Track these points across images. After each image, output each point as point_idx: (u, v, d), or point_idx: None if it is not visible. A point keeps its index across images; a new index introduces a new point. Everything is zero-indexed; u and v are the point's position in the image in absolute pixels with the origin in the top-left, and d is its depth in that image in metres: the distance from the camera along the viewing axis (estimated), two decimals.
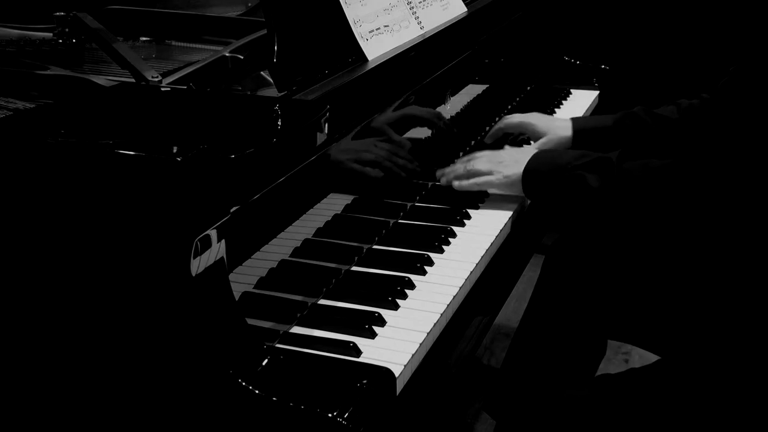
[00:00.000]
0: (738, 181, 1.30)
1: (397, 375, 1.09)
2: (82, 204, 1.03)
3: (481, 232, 1.49)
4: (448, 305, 1.27)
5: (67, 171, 1.04)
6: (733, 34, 2.67)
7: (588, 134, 1.80)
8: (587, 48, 2.46)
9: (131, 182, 1.01)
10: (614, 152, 1.45)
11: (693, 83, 2.76)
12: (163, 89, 1.34)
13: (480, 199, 1.59)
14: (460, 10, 1.85)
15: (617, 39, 2.93)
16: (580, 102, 2.25)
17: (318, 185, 1.34)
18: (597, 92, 2.32)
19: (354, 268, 1.36)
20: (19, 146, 1.11)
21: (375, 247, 1.43)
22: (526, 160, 1.53)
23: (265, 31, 1.56)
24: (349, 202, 1.43)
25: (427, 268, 1.36)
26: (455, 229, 1.48)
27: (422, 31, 1.68)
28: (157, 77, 1.35)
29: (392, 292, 1.27)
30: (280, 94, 1.28)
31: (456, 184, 1.58)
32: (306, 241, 1.33)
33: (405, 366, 1.12)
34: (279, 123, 1.17)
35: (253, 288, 1.23)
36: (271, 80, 1.30)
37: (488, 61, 2.02)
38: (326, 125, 1.18)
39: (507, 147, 1.76)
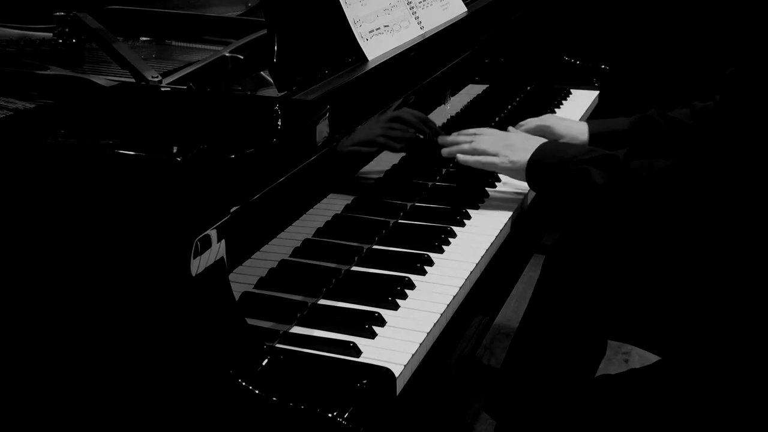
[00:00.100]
0: (739, 183, 1.30)
1: (397, 375, 1.09)
2: (82, 204, 1.03)
3: (481, 232, 1.49)
4: (448, 305, 1.27)
5: (67, 171, 1.04)
6: (733, 34, 2.67)
7: (604, 138, 1.80)
8: (587, 48, 2.46)
9: (131, 182, 1.01)
10: (621, 150, 1.45)
11: (693, 83, 2.77)
12: (163, 89, 1.34)
13: (480, 199, 1.59)
14: (460, 10, 1.85)
15: (617, 39, 2.94)
16: (580, 102, 2.25)
17: (318, 185, 1.34)
18: (597, 92, 2.32)
19: (354, 268, 1.36)
20: (19, 146, 1.11)
21: (375, 247, 1.43)
22: (534, 149, 1.52)
23: (265, 31, 1.56)
24: (349, 202, 1.44)
25: (427, 268, 1.36)
26: (455, 229, 1.48)
27: (422, 31, 1.68)
28: (157, 77, 1.35)
29: (392, 292, 1.27)
30: (280, 94, 1.28)
31: (461, 158, 1.57)
32: (306, 241, 1.33)
33: (405, 366, 1.12)
34: (279, 123, 1.17)
35: (253, 288, 1.23)
36: (271, 80, 1.30)
37: (488, 61, 2.02)
38: (326, 125, 1.18)
39: (511, 128, 1.75)
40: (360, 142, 1.43)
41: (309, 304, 1.24)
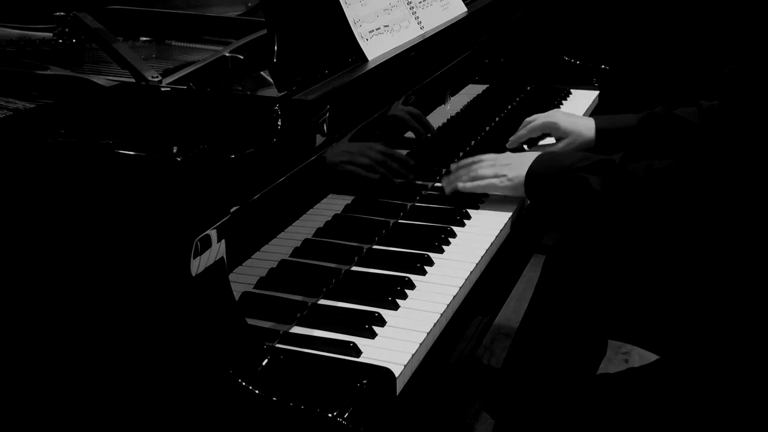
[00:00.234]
0: (738, 181, 1.30)
1: (397, 375, 1.09)
2: (82, 204, 1.03)
3: (481, 232, 1.49)
4: (448, 305, 1.27)
5: (67, 171, 1.04)
6: (733, 34, 2.67)
7: (612, 134, 1.80)
8: (587, 48, 2.46)
9: (131, 182, 1.01)
10: (617, 154, 1.45)
11: (693, 83, 2.77)
12: (163, 89, 1.34)
13: (480, 199, 1.59)
14: (460, 10, 1.85)
15: (617, 39, 2.93)
16: (580, 102, 2.25)
17: (318, 185, 1.33)
18: (597, 92, 2.32)
19: (354, 268, 1.36)
20: (19, 146, 1.11)
21: (375, 247, 1.43)
22: (529, 163, 1.53)
23: (265, 31, 1.56)
24: (349, 202, 1.43)
25: (427, 268, 1.36)
26: (455, 229, 1.48)
27: (422, 31, 1.68)
28: (157, 77, 1.35)
29: (392, 292, 1.27)
30: (280, 94, 1.28)
31: (460, 186, 1.58)
32: (306, 241, 1.33)
33: (405, 366, 1.12)
34: (279, 123, 1.17)
35: (253, 288, 1.23)
36: (271, 80, 1.30)
37: (488, 61, 2.02)
38: (326, 125, 1.18)
39: (508, 153, 1.76)
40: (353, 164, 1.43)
41: (309, 304, 1.24)
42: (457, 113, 1.87)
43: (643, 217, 1.41)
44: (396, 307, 1.25)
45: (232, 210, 1.04)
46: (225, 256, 1.05)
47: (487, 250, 1.43)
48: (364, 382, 1.04)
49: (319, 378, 1.05)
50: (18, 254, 1.08)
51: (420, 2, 1.71)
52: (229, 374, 1.00)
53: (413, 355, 1.14)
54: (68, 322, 1.07)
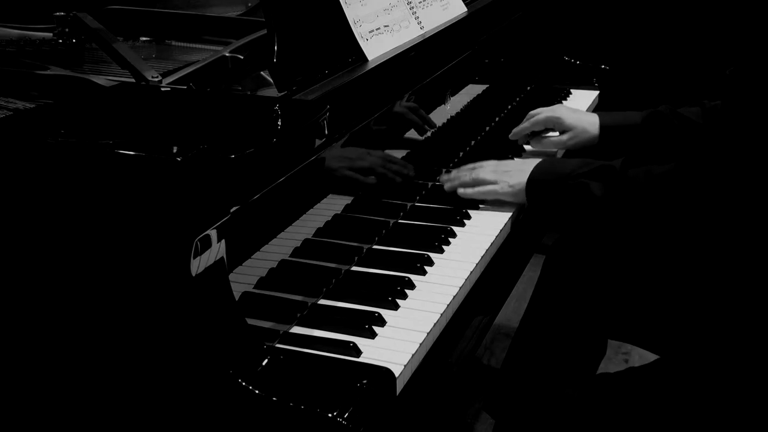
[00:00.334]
0: (738, 183, 1.30)
1: (397, 375, 1.09)
2: (82, 204, 1.03)
3: (481, 232, 1.49)
4: (448, 305, 1.27)
5: (67, 171, 1.04)
6: (733, 34, 2.67)
7: (616, 131, 1.80)
8: (587, 48, 2.46)
9: (131, 182, 1.01)
10: (618, 160, 1.46)
11: (693, 83, 2.77)
12: (163, 89, 1.34)
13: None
14: (460, 10, 1.85)
15: (617, 39, 2.93)
16: (580, 102, 2.25)
17: (318, 185, 1.33)
18: (597, 92, 2.32)
19: (354, 268, 1.36)
20: (19, 146, 1.11)
21: (375, 247, 1.43)
22: (530, 170, 1.53)
23: (265, 31, 1.56)
24: (349, 202, 1.43)
25: (427, 268, 1.36)
26: (455, 229, 1.48)
27: (422, 31, 1.68)
28: (157, 77, 1.35)
29: (392, 292, 1.27)
30: (280, 94, 1.28)
31: (461, 191, 1.58)
32: (306, 241, 1.33)
33: (405, 366, 1.12)
34: (279, 123, 1.17)
35: (253, 288, 1.23)
36: (271, 80, 1.30)
37: (488, 61, 2.02)
38: (326, 125, 1.18)
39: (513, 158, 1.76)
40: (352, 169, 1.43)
41: (309, 304, 1.24)
42: (457, 113, 1.87)
43: (644, 222, 1.41)
44: (396, 307, 1.25)
45: (232, 210, 1.04)
46: (225, 256, 1.05)
47: (487, 250, 1.43)
48: (364, 382, 1.04)
49: (319, 378, 1.05)
50: (18, 254, 1.08)
51: (420, 2, 1.71)
52: (229, 374, 1.00)
53: (413, 355, 1.14)
54: (68, 322, 1.07)
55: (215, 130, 1.14)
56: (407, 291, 1.29)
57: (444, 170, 1.70)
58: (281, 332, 1.18)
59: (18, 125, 1.21)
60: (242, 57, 1.56)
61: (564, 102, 2.23)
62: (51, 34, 1.76)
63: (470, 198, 1.58)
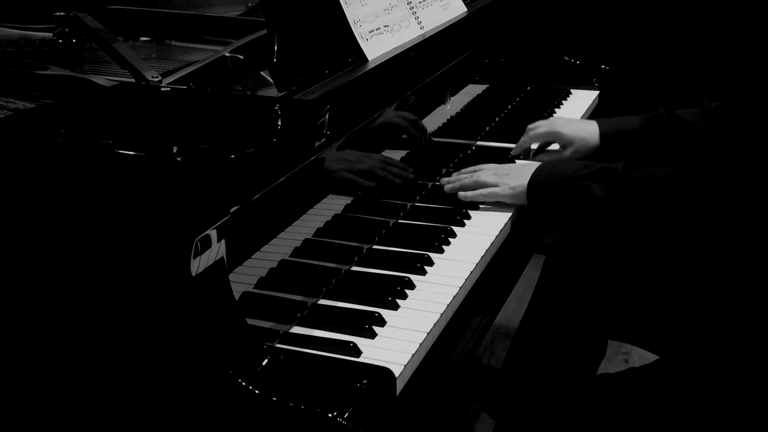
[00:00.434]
0: (738, 184, 1.30)
1: (397, 375, 1.09)
2: (82, 204, 1.03)
3: (481, 232, 1.49)
4: (448, 305, 1.27)
5: (67, 171, 1.04)
6: (733, 34, 2.67)
7: (616, 138, 1.79)
8: (587, 48, 2.46)
9: (131, 182, 1.01)
10: (619, 162, 1.46)
11: (694, 83, 2.76)
12: (163, 89, 1.34)
13: None
14: (460, 10, 1.85)
15: (617, 39, 2.93)
16: (580, 102, 2.25)
17: (318, 185, 1.34)
18: (597, 92, 2.32)
19: (354, 268, 1.36)
20: (19, 146, 1.11)
21: (375, 247, 1.43)
22: (531, 172, 1.54)
23: (265, 31, 1.56)
24: (349, 202, 1.43)
25: (427, 268, 1.36)
26: (455, 229, 1.48)
27: (422, 31, 1.68)
28: (157, 77, 1.35)
29: (392, 292, 1.27)
30: (280, 94, 1.28)
31: (461, 194, 1.58)
32: (306, 241, 1.33)
33: (405, 366, 1.12)
34: (279, 123, 1.17)
35: (253, 288, 1.23)
36: (271, 80, 1.30)
37: (488, 61, 2.02)
38: (326, 125, 1.18)
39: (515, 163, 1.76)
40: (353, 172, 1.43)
41: (309, 304, 1.24)
42: (457, 113, 1.87)
43: (645, 224, 1.41)
44: (396, 307, 1.25)
45: (232, 210, 1.04)
46: (225, 256, 1.05)
47: (487, 250, 1.43)
48: (364, 382, 1.04)
49: (319, 378, 1.05)
50: (18, 254, 1.08)
51: (420, 2, 1.71)
52: (229, 374, 1.00)
53: (413, 355, 1.14)
54: (68, 322, 1.07)
55: (215, 130, 1.14)
56: (407, 291, 1.29)
57: (444, 170, 1.70)
58: (281, 332, 1.18)
59: (18, 125, 1.21)
60: (242, 57, 1.56)
61: (564, 102, 2.22)
62: (51, 34, 1.76)
63: (470, 200, 1.58)
